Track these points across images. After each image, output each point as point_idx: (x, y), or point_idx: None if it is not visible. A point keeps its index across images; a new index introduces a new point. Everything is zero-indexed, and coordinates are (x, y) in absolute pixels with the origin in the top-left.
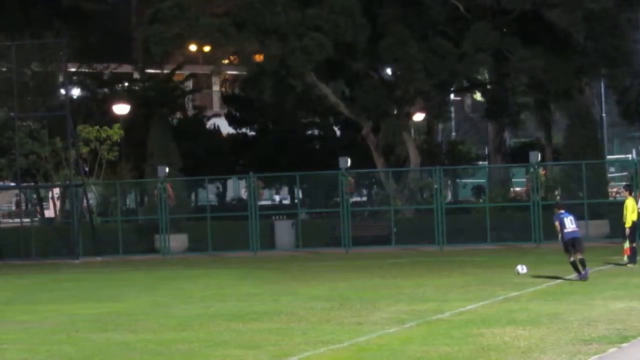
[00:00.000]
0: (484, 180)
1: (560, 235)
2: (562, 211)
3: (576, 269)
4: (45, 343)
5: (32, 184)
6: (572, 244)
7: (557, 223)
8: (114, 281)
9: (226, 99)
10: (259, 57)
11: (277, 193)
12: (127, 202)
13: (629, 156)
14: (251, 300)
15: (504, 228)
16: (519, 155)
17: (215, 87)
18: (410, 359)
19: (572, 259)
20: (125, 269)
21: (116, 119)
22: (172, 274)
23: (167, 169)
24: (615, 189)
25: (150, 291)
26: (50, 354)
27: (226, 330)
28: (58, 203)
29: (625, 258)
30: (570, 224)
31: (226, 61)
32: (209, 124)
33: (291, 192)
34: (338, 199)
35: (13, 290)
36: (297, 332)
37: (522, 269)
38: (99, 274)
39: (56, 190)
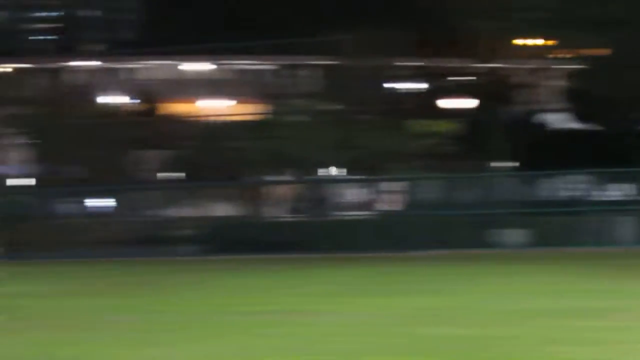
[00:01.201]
0: None
1: None
2: None
3: None
4: (377, 335)
5: (371, 176)
6: None
7: None
8: (448, 275)
9: (562, 93)
10: (595, 51)
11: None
12: (463, 196)
13: None
14: (587, 298)
15: None
16: None
17: (550, 81)
18: None
19: None
20: (456, 263)
21: (450, 113)
22: (503, 270)
23: (504, 164)
24: None
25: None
26: (377, 346)
27: (559, 327)
28: (395, 196)
29: None
30: None
31: (563, 55)
32: (543, 118)
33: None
34: None
35: (343, 282)
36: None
37: None
38: (431, 268)
39: (393, 183)
